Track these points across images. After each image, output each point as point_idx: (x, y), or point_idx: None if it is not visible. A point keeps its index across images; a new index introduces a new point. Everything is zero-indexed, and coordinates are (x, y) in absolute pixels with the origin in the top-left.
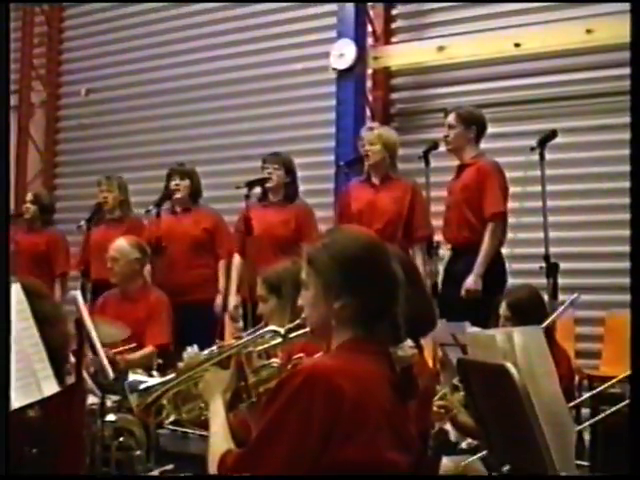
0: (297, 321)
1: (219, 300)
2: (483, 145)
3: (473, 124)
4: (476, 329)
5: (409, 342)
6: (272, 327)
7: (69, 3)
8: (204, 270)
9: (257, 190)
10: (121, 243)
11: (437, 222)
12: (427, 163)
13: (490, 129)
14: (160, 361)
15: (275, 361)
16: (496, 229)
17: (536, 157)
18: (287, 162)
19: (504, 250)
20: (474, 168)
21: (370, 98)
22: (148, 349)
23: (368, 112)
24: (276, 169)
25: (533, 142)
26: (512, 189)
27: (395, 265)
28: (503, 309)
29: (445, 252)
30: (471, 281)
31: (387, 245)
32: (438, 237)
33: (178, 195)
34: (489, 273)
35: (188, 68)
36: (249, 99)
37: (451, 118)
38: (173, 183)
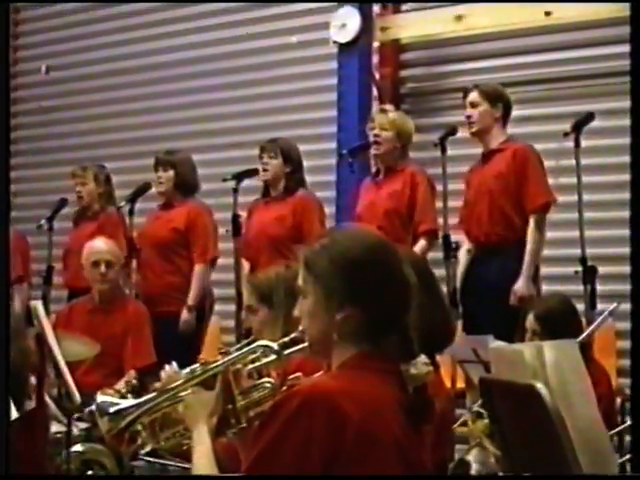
0: (293, 335)
1: (185, 315)
2: (509, 130)
3: (499, 101)
4: (501, 343)
5: (423, 358)
6: (263, 342)
7: None
8: (174, 277)
9: (253, 184)
10: (113, 245)
11: (453, 220)
12: (444, 151)
13: (516, 111)
14: (134, 381)
15: (268, 381)
16: (542, 222)
17: (570, 144)
18: (286, 149)
19: None
20: (509, 153)
21: (377, 76)
22: (127, 377)
23: (375, 92)
24: (272, 158)
25: (567, 126)
26: None
27: (406, 269)
28: (530, 322)
29: (463, 253)
30: (523, 285)
31: (397, 246)
32: (456, 236)
33: (160, 188)
34: (515, 278)
35: (169, 41)
36: (237, 77)
37: (473, 95)
38: (157, 174)
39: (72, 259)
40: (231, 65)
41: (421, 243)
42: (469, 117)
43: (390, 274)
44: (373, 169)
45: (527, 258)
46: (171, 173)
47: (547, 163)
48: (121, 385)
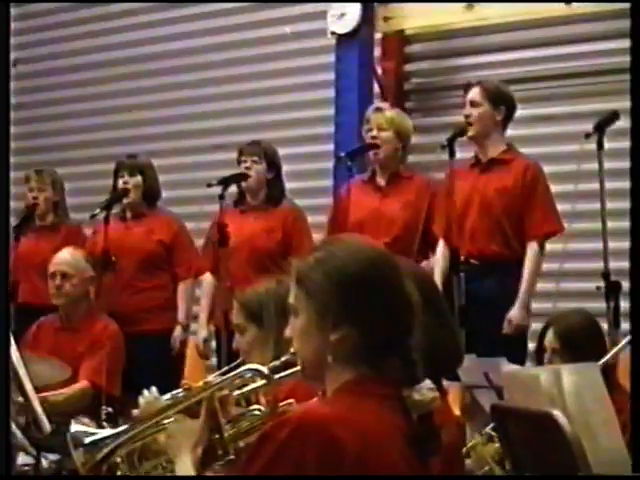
0: (284, 357)
1: (177, 332)
2: (525, 130)
3: (502, 103)
4: (515, 367)
5: (428, 383)
6: (252, 365)
7: None
8: (158, 293)
9: (233, 190)
10: (75, 256)
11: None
12: (452, 154)
13: (534, 110)
14: (109, 409)
15: (257, 408)
16: (542, 249)
17: (592, 146)
18: (269, 153)
19: (552, 265)
20: (518, 167)
21: (379, 70)
22: (79, 385)
23: (376, 88)
24: (255, 162)
25: (589, 127)
26: (562, 186)
27: (409, 284)
28: (550, 340)
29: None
30: (517, 314)
31: (399, 259)
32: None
33: (126, 198)
34: (514, 297)
35: (143, 33)
36: (223, 72)
37: (475, 93)
38: (121, 181)
39: (24, 273)
40: (214, 59)
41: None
42: (467, 117)
43: (391, 290)
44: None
45: (524, 285)
46: (139, 179)
47: (567, 167)
48: (64, 395)
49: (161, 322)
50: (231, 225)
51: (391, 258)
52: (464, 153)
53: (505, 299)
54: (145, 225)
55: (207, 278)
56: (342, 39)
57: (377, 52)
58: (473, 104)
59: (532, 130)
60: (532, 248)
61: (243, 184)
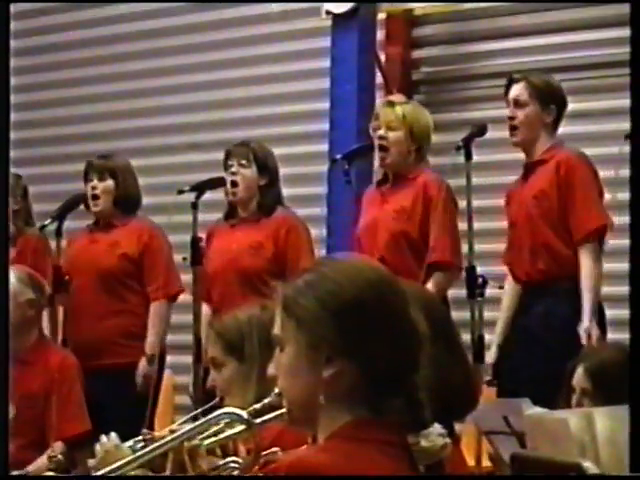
0: (268, 398)
1: (141, 366)
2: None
3: (552, 102)
4: (539, 409)
5: (438, 428)
6: (230, 409)
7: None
8: (125, 319)
9: (214, 198)
10: (25, 275)
11: (480, 246)
12: (469, 156)
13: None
14: (59, 456)
15: (234, 460)
16: (597, 250)
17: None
18: (261, 156)
19: None
20: (551, 165)
21: (382, 57)
22: (55, 448)
23: (379, 78)
24: (243, 166)
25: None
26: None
27: (415, 312)
28: (579, 378)
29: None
30: (590, 327)
31: (404, 283)
32: (481, 268)
33: (95, 204)
34: (563, 324)
35: (111, 10)
36: (197, 58)
37: (520, 90)
38: (89, 186)
39: None
40: (189, 42)
41: (436, 278)
42: (512, 119)
43: (394, 318)
44: (378, 176)
45: (587, 296)
46: (110, 183)
47: (605, 173)
48: (43, 461)
49: (128, 354)
50: (217, 242)
51: (394, 281)
52: (482, 156)
53: (553, 329)
54: (110, 237)
55: (204, 309)
56: (339, 19)
57: (380, 35)
58: (518, 104)
59: (564, 129)
60: (584, 252)
61: (230, 194)
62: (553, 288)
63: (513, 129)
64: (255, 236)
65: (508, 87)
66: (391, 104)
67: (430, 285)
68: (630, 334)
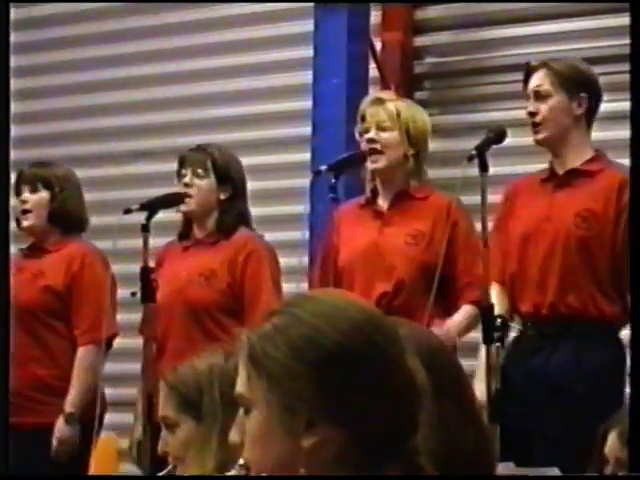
0: (232, 471)
1: (61, 428)
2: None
3: (582, 89)
4: None
5: None
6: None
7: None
8: (41, 369)
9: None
10: None
11: None
12: (484, 167)
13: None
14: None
15: None
16: None
17: None
18: (221, 163)
19: None
20: (609, 181)
21: (378, 46)
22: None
23: (373, 70)
24: (198, 176)
25: None
26: None
27: (412, 360)
28: (612, 447)
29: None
30: None
31: (399, 324)
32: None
33: (25, 220)
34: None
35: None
36: (159, 44)
37: (540, 79)
38: (19, 199)
39: None
40: (152, 22)
41: (468, 312)
42: (533, 115)
43: (386, 370)
44: (367, 190)
45: None
46: (44, 196)
47: None
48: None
49: (49, 412)
50: (167, 267)
51: (385, 322)
52: (499, 167)
53: (590, 380)
54: (37, 265)
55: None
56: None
57: (375, 18)
58: (539, 96)
59: (596, 133)
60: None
61: (184, 209)
62: (585, 329)
63: (535, 126)
64: (208, 262)
65: (527, 78)
66: (380, 101)
67: (457, 322)
68: (631, 331)
